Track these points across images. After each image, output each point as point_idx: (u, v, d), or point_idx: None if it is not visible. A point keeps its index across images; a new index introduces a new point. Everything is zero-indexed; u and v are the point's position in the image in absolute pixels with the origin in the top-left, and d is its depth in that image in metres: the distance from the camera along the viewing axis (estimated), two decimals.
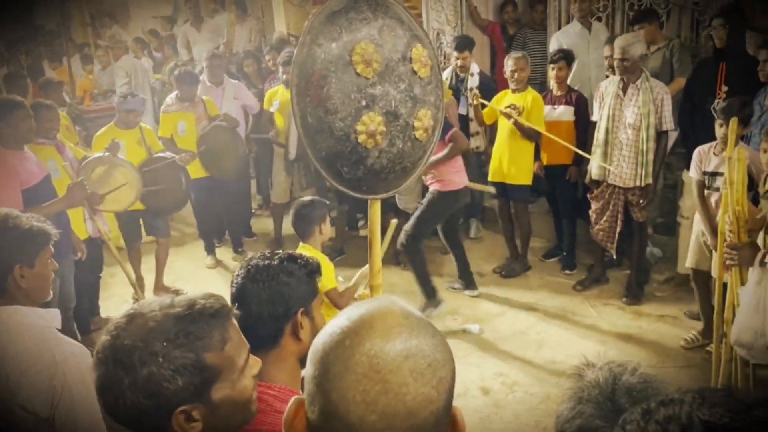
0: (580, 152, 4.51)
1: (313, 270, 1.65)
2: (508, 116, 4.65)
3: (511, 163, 4.86)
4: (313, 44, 1.74)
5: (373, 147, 1.77)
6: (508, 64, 4.78)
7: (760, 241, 2.86)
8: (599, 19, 5.34)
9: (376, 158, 1.79)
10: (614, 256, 4.60)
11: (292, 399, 0.86)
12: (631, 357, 3.81)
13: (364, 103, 1.76)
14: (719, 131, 3.54)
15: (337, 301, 2.97)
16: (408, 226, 4.45)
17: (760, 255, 2.77)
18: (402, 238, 4.41)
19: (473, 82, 5.28)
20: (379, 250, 1.89)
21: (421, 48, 1.90)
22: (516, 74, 4.73)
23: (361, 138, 1.75)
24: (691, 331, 3.98)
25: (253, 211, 6.58)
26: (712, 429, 0.63)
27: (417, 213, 4.51)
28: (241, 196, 6.09)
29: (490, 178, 5.07)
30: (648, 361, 3.81)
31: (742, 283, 2.92)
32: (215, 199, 5.58)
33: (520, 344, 4.15)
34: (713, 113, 3.56)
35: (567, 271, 5.02)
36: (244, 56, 6.68)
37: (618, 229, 4.42)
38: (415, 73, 1.86)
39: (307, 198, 3.34)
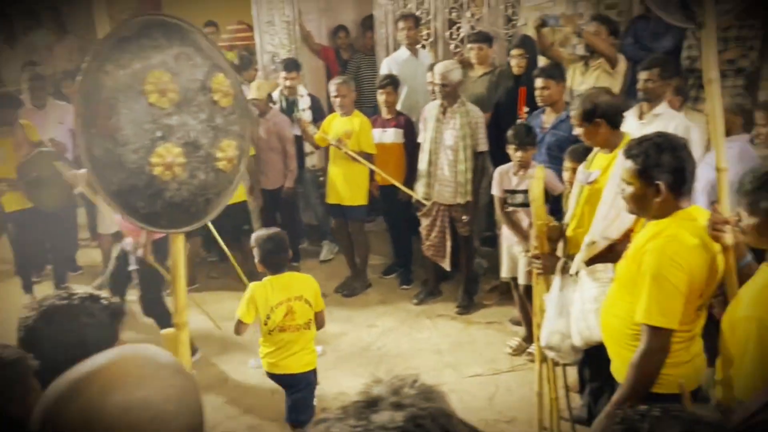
0: (403, 187, 4.77)
1: (116, 311, 1.57)
2: (339, 147, 4.77)
3: (346, 184, 4.96)
4: (99, 71, 1.65)
5: (171, 179, 1.72)
6: (331, 89, 4.89)
7: (560, 251, 3.16)
8: (424, 46, 5.63)
9: (176, 191, 1.74)
10: (448, 269, 4.83)
11: None
12: (465, 363, 4.06)
13: (159, 134, 1.71)
14: (513, 155, 3.90)
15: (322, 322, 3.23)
16: (142, 292, 4.15)
17: (560, 263, 3.06)
18: (142, 307, 4.16)
19: (304, 103, 5.35)
20: (184, 285, 1.83)
21: (223, 77, 1.88)
22: (339, 99, 4.84)
23: (157, 170, 1.69)
24: (515, 338, 4.28)
25: (79, 242, 6.09)
26: None
27: (139, 278, 4.13)
28: (67, 228, 5.60)
29: (327, 200, 5.15)
30: (480, 366, 4.06)
31: (548, 290, 3.19)
32: (38, 232, 5.09)
33: (361, 362, 4.22)
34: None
35: (404, 287, 5.20)
36: (63, 76, 6.21)
37: (449, 244, 4.66)
38: (215, 102, 1.84)
39: (266, 230, 3.15)
